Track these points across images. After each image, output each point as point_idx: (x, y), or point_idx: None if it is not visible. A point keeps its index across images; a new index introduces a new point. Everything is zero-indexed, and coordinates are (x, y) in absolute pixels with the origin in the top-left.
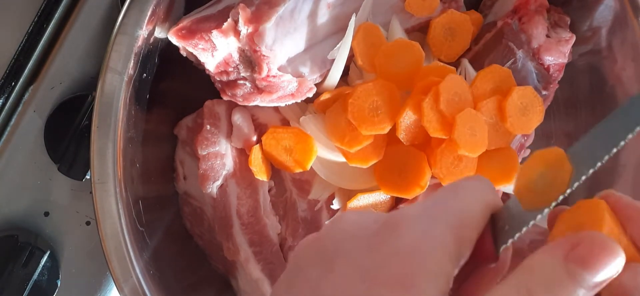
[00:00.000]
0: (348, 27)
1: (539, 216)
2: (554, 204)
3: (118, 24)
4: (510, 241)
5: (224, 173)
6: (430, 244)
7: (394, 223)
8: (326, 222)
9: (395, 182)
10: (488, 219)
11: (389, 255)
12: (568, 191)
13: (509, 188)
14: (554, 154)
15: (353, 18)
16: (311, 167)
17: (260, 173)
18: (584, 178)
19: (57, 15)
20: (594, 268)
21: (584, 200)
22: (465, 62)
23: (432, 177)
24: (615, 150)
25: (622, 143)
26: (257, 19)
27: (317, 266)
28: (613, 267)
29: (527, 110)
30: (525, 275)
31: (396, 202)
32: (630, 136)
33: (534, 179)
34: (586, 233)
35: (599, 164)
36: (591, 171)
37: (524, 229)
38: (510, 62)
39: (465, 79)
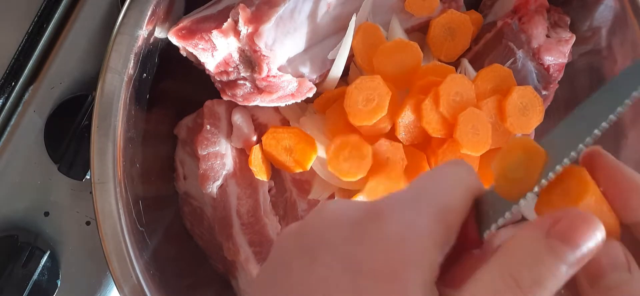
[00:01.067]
0: (348, 27)
1: (521, 202)
2: (530, 193)
3: (118, 24)
4: (493, 226)
5: (224, 173)
6: (414, 232)
7: (377, 212)
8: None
9: None
10: (472, 204)
11: (372, 245)
12: (543, 180)
13: None
14: (529, 142)
15: (353, 18)
16: (311, 167)
17: (260, 173)
18: (559, 167)
19: (57, 15)
20: (575, 243)
21: (567, 167)
22: (465, 62)
23: None
24: (590, 139)
25: (597, 131)
26: (257, 19)
27: (300, 258)
28: (594, 241)
29: (527, 110)
30: (507, 256)
31: None
32: (604, 124)
33: (511, 167)
34: (567, 210)
35: (573, 152)
36: (566, 159)
37: (507, 214)
38: (510, 62)
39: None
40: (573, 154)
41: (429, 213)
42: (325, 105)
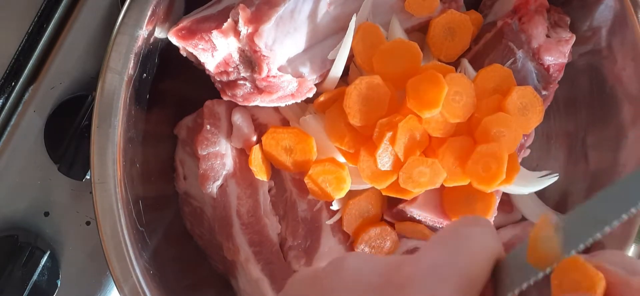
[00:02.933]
0: (348, 27)
1: (541, 274)
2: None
3: (118, 24)
4: (511, 294)
5: (224, 173)
6: None
7: (399, 284)
8: (325, 263)
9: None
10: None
11: None
12: (554, 264)
13: (509, 188)
14: (549, 222)
15: (353, 18)
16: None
17: (260, 173)
18: (574, 252)
19: (57, 15)
20: None
21: (583, 262)
22: (465, 62)
23: None
24: (608, 228)
25: (616, 223)
26: (257, 19)
27: None
28: None
29: (527, 110)
30: None
31: (389, 203)
32: (625, 216)
33: (541, 239)
34: None
35: (590, 240)
36: (581, 246)
37: (526, 284)
38: (510, 62)
39: None
40: (590, 239)
41: (452, 285)
42: (325, 105)
